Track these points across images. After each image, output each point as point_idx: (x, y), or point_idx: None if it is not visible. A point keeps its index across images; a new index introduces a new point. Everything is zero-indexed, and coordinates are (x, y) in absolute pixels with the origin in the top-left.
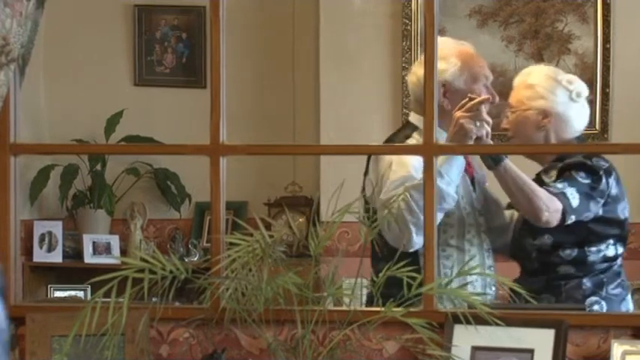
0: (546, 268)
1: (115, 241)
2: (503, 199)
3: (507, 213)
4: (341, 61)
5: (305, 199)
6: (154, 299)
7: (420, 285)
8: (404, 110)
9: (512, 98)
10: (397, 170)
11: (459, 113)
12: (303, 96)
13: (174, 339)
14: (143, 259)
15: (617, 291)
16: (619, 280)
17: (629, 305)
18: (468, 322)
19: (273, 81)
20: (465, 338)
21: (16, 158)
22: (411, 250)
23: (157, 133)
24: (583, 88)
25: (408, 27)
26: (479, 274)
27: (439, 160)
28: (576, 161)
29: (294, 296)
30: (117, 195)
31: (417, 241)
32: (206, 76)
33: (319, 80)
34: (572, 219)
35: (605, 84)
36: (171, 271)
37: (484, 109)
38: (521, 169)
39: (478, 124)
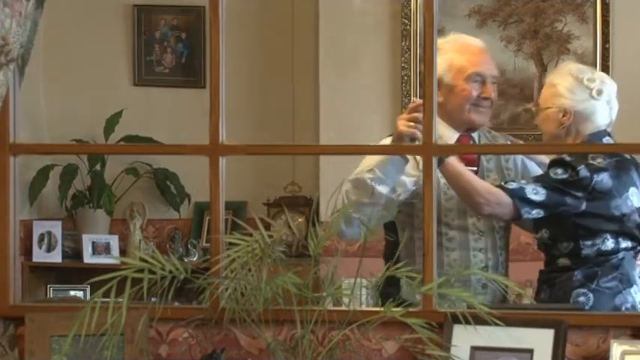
0: (550, 260)
1: (114, 241)
2: None
3: None
4: (340, 60)
5: (304, 199)
6: (153, 299)
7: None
8: (403, 110)
9: (540, 97)
10: (363, 162)
11: (399, 117)
12: (303, 96)
13: (173, 339)
14: (142, 259)
15: (612, 284)
16: (615, 274)
17: (626, 298)
18: (468, 322)
19: (273, 81)
20: (464, 338)
21: (15, 158)
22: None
23: (156, 133)
24: (606, 86)
25: (408, 27)
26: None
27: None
28: (557, 158)
29: (293, 296)
30: (116, 195)
31: (347, 232)
32: (205, 76)
33: (319, 80)
34: (537, 213)
35: None
36: (170, 271)
37: (420, 112)
38: None
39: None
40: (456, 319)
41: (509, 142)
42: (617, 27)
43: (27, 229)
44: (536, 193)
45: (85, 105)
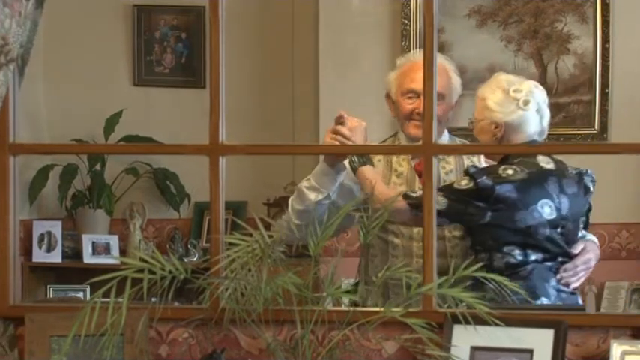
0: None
1: (114, 241)
2: None
3: None
4: (340, 61)
5: None
6: (153, 299)
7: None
8: None
9: (475, 110)
10: None
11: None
12: (303, 96)
13: (173, 339)
14: (142, 259)
15: (518, 296)
16: (523, 285)
17: None
18: (467, 322)
19: (273, 81)
20: (464, 338)
21: (15, 158)
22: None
23: (156, 133)
24: (533, 96)
25: (408, 27)
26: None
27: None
28: (465, 169)
29: (293, 296)
30: (116, 195)
31: (292, 236)
32: (205, 76)
33: (318, 80)
34: (440, 222)
35: (604, 84)
36: (170, 271)
37: (344, 126)
38: None
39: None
40: (456, 319)
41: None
42: (617, 27)
43: (27, 229)
44: (437, 203)
45: (85, 105)
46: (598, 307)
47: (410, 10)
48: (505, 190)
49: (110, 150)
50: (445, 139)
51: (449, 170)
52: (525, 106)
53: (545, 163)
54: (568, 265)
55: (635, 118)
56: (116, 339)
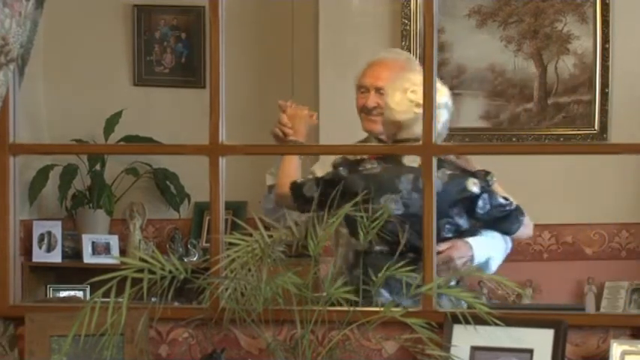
0: None
1: (114, 241)
2: None
3: None
4: (340, 60)
5: None
6: (153, 299)
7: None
8: None
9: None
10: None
11: None
12: (303, 96)
13: (173, 339)
14: (142, 259)
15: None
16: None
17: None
18: (467, 322)
19: (273, 81)
20: (464, 338)
21: (15, 158)
22: None
23: (156, 133)
24: (419, 101)
25: (408, 27)
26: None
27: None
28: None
29: (293, 296)
30: (116, 195)
31: None
32: (205, 76)
33: (319, 80)
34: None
35: (605, 84)
36: (170, 271)
37: (283, 115)
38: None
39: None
40: (456, 319)
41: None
42: (617, 27)
43: (27, 229)
44: (310, 190)
45: (85, 105)
46: (598, 307)
47: (410, 10)
48: (351, 181)
49: (110, 150)
50: None
51: None
52: (417, 108)
53: (410, 160)
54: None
55: (635, 118)
56: (116, 339)
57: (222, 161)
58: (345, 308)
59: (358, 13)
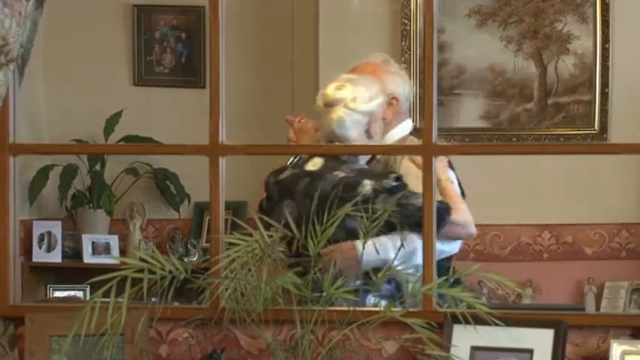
0: None
1: (114, 241)
2: None
3: None
4: (340, 61)
5: None
6: (153, 299)
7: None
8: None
9: None
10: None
11: None
12: (303, 96)
13: (173, 339)
14: (142, 259)
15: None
16: None
17: None
18: (468, 322)
19: (273, 81)
20: (464, 338)
21: (15, 158)
22: None
23: (156, 133)
24: (329, 99)
25: (408, 27)
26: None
27: None
28: None
29: (293, 296)
30: (116, 195)
31: None
32: (205, 76)
33: (319, 80)
34: None
35: (604, 84)
36: (170, 271)
37: (290, 130)
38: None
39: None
40: (455, 319)
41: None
42: (617, 27)
43: (27, 229)
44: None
45: (85, 105)
46: (598, 307)
47: (410, 10)
48: (267, 188)
49: (110, 150)
50: (394, 138)
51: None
52: (318, 108)
53: (312, 165)
54: None
55: (635, 118)
56: (116, 339)
57: (222, 161)
58: (345, 308)
59: (358, 13)
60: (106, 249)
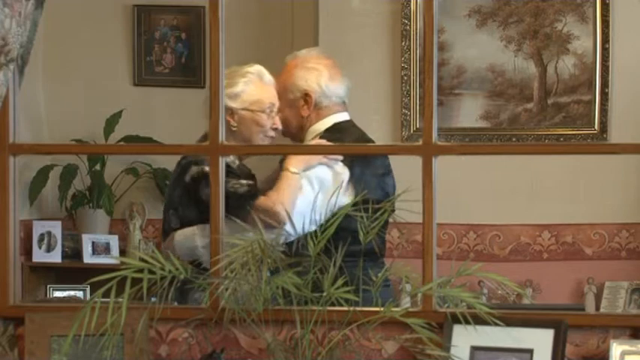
0: None
1: (114, 241)
2: None
3: None
4: (340, 61)
5: None
6: (153, 299)
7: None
8: (403, 110)
9: None
10: None
11: None
12: None
13: (173, 339)
14: (142, 259)
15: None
16: None
17: None
18: (468, 322)
19: None
20: (464, 338)
21: (15, 158)
22: None
23: (156, 133)
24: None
25: (407, 27)
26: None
27: None
28: None
29: (293, 296)
30: (116, 195)
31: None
32: (205, 76)
33: None
34: None
35: (605, 84)
36: (170, 271)
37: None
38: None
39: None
40: (455, 319)
41: None
42: (617, 27)
43: (27, 229)
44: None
45: (85, 105)
46: (598, 307)
47: (410, 10)
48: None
49: (110, 150)
50: (313, 134)
51: None
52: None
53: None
54: None
55: (635, 118)
56: (116, 339)
57: (223, 161)
58: (345, 308)
59: (358, 13)
60: (106, 249)
